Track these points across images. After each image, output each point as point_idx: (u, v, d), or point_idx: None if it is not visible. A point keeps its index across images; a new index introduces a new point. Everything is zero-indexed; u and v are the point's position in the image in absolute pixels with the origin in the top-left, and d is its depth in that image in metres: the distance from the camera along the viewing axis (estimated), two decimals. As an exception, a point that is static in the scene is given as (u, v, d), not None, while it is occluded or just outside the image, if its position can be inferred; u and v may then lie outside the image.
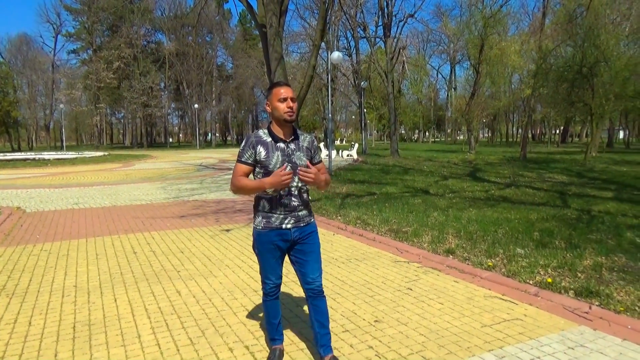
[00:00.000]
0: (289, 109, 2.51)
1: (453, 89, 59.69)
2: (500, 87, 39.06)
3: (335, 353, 2.83)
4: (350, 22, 32.73)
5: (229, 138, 76.40)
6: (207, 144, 61.99)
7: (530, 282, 4.12)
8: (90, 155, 31.22)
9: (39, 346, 3.04)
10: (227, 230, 6.71)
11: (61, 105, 51.48)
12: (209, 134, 68.31)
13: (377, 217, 7.25)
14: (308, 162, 2.56)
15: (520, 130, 38.00)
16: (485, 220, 6.90)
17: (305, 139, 2.66)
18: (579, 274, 4.26)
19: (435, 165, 19.01)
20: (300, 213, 2.61)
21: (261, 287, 2.75)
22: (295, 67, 39.21)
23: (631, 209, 7.88)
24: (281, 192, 2.54)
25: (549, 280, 4.05)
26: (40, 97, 59.36)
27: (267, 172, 2.51)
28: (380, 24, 29.15)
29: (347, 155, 25.83)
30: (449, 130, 68.91)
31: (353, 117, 66.91)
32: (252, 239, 2.68)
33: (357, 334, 3.18)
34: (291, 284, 4.20)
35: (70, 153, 36.74)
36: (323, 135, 43.32)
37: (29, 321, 3.47)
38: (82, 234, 6.57)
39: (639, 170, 15.83)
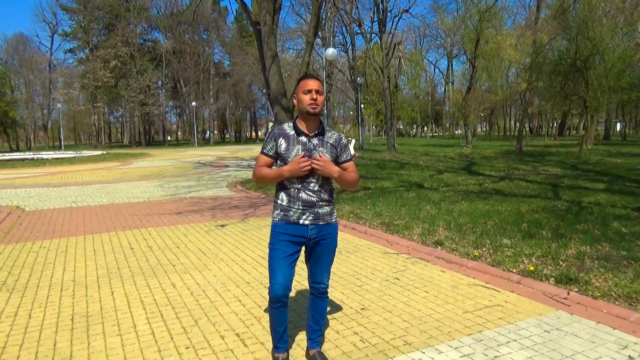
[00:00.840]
0: (312, 101, 2.46)
1: (450, 83, 59.75)
2: (496, 81, 39.23)
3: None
4: (345, 18, 32.77)
5: (227, 135, 76.49)
6: (205, 142, 62.07)
7: (514, 270, 4.26)
8: (88, 154, 31.32)
9: (39, 337, 3.18)
10: (223, 226, 6.85)
11: (59, 105, 51.56)
12: (207, 132, 68.39)
13: (370, 211, 7.39)
14: (322, 154, 2.50)
15: (517, 124, 38.13)
16: (476, 212, 7.04)
17: (331, 136, 2.59)
18: (561, 262, 4.40)
19: (431, 160, 19.15)
20: (320, 210, 2.54)
21: (268, 292, 2.56)
22: (292, 63, 39.30)
23: (621, 200, 8.01)
24: (299, 185, 2.49)
25: (531, 268, 4.19)
26: (38, 96, 59.31)
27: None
28: (375, 19, 29.23)
29: (345, 151, 25.90)
30: (447, 125, 69.02)
31: (351, 112, 66.96)
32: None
33: (343, 321, 3.32)
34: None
35: (68, 152, 36.83)
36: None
37: (29, 314, 3.60)
38: (80, 231, 6.70)
39: (633, 162, 15.98)
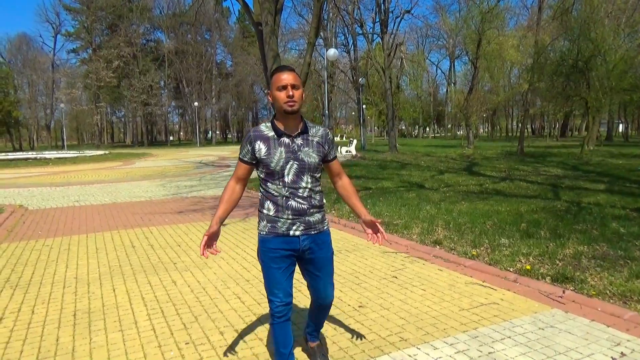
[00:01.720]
0: (288, 99, 2.18)
1: (452, 84, 59.79)
2: (498, 81, 39.25)
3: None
4: (347, 18, 32.84)
5: (229, 136, 76.61)
6: (207, 142, 62.22)
7: (511, 269, 4.30)
8: (91, 154, 31.45)
9: (42, 332, 3.24)
10: (223, 225, 6.89)
11: (62, 105, 51.76)
12: (210, 132, 68.51)
13: (370, 211, 7.43)
14: (367, 216, 2.40)
15: (519, 125, 38.17)
16: (475, 212, 7.08)
17: (317, 133, 2.34)
18: (558, 262, 4.45)
19: (432, 160, 19.18)
20: (311, 218, 2.30)
21: (268, 305, 2.35)
22: (294, 63, 39.29)
23: (620, 201, 8.03)
24: (287, 193, 2.24)
25: (528, 267, 4.23)
26: (41, 96, 59.59)
27: (270, 172, 2.24)
28: (377, 20, 29.28)
29: (346, 152, 25.98)
30: (448, 126, 69.00)
31: (353, 113, 67.07)
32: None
33: (341, 318, 3.37)
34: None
35: (71, 152, 37.00)
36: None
37: (32, 310, 3.66)
38: (83, 230, 6.77)
39: (634, 163, 15.97)
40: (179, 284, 4.23)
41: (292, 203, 2.25)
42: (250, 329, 3.22)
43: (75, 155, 31.12)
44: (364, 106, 36.73)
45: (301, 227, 2.28)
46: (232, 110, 66.36)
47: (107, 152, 36.35)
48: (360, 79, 32.94)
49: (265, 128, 2.27)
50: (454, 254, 4.93)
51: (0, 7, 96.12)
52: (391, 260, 4.84)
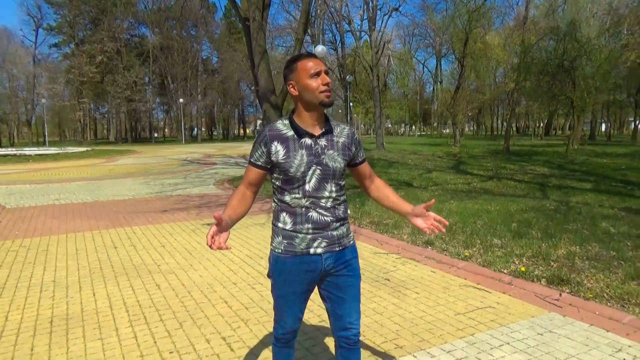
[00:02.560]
0: (325, 87, 1.84)
1: (439, 83, 60.01)
2: (484, 80, 39.45)
3: (311, 342, 2.87)
4: (335, 15, 32.69)
5: (215, 133, 75.95)
6: (192, 139, 61.56)
7: (505, 271, 4.21)
8: (73, 151, 30.82)
9: (15, 340, 3.04)
10: (209, 225, 6.71)
11: (43, 100, 50.67)
12: (195, 129, 67.80)
13: (359, 210, 7.32)
14: (415, 207, 2.05)
15: (504, 124, 38.50)
16: (465, 212, 7.01)
17: (342, 132, 1.97)
18: (552, 263, 4.37)
19: (420, 159, 19.17)
20: (334, 232, 1.93)
21: (273, 327, 2.09)
22: (281, 60, 39.06)
23: (608, 200, 8.05)
24: (307, 203, 1.88)
25: (522, 269, 4.15)
26: (22, 91, 58.17)
27: (288, 179, 1.86)
28: (365, 17, 29.20)
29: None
30: (435, 124, 69.35)
31: (340, 111, 66.98)
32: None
33: (333, 324, 3.23)
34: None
35: (52, 149, 36.23)
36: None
37: (6, 316, 3.45)
38: (62, 230, 6.52)
39: (619, 162, 16.14)
40: (162, 287, 4.05)
41: (313, 215, 1.89)
42: (238, 336, 3.07)
43: (57, 152, 30.46)
44: (351, 104, 36.62)
45: (323, 244, 1.90)
46: (218, 107, 65.72)
47: (89, 148, 35.69)
48: (347, 77, 32.82)
49: (283, 126, 1.90)
50: (446, 255, 4.84)
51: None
52: (382, 262, 4.72)
